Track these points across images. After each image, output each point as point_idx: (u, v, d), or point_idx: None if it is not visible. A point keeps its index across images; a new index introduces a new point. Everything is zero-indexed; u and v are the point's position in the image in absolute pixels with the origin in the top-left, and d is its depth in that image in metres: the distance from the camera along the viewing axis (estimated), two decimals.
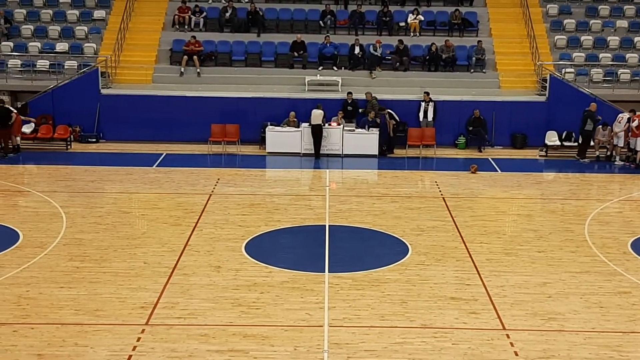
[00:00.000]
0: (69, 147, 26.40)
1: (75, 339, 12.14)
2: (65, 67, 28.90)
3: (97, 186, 21.81)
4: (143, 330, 12.45)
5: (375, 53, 28.99)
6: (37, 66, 28.87)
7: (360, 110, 26.50)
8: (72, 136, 26.75)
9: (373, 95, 26.60)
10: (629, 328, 12.85)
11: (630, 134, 25.00)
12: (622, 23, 31.45)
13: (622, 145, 25.34)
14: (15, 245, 16.50)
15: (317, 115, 25.45)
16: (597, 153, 25.92)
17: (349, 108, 26.69)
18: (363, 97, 26.83)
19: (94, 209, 19.29)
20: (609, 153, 25.84)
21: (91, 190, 21.32)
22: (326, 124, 25.82)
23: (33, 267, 15.22)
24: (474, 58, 29.03)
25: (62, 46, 29.82)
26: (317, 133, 25.42)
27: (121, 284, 14.38)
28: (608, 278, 15.09)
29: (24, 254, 15.96)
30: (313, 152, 25.58)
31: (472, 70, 29.03)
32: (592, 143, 25.83)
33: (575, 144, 26.34)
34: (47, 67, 28.86)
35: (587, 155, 25.81)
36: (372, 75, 28.77)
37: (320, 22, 30.93)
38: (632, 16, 31.81)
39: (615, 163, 25.42)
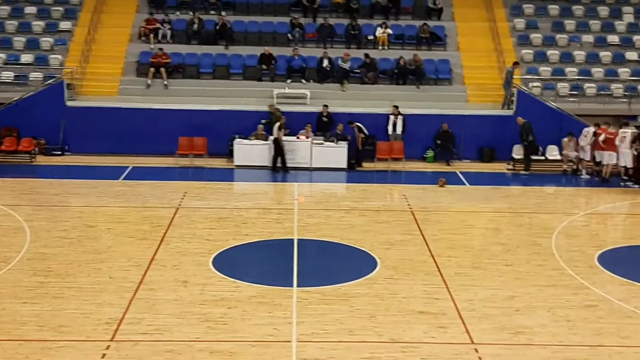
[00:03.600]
0: (33, 159, 26.07)
1: (39, 355, 11.89)
2: (30, 78, 28.65)
3: (62, 199, 21.54)
4: (108, 347, 12.23)
5: (344, 66, 29.02)
6: (2, 78, 28.56)
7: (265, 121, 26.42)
8: (36, 149, 26.42)
9: (276, 107, 26.71)
10: (596, 342, 12.88)
11: (595, 147, 25.23)
12: (588, 38, 31.83)
13: (588, 159, 25.56)
14: None
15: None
16: (565, 167, 26.10)
17: (324, 120, 26.71)
18: (338, 110, 27.04)
19: (58, 223, 19.04)
20: (575, 167, 26.05)
21: (56, 204, 21.04)
22: (294, 137, 25.80)
23: None
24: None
25: (27, 57, 29.50)
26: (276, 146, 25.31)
27: (86, 300, 14.14)
28: (575, 291, 15.14)
29: None
30: (280, 165, 25.41)
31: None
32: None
33: (543, 157, 26.60)
34: (12, 78, 28.60)
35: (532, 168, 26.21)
36: (343, 87, 28.76)
37: (289, 35, 30.89)
38: (597, 31, 32.19)
39: (582, 177, 25.63)
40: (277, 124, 25.35)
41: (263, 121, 26.49)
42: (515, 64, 28.41)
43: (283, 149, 25.26)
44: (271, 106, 26.85)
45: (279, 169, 25.26)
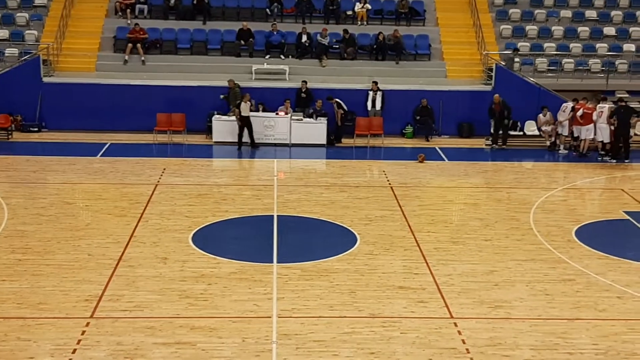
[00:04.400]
0: (10, 136, 25.78)
1: (18, 333, 11.86)
2: (6, 54, 28.26)
3: (40, 177, 21.37)
4: (88, 324, 12.22)
5: (323, 41, 28.88)
6: None
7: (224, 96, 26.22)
8: (13, 125, 26.14)
9: (235, 82, 26.43)
10: (574, 315, 13.03)
11: (573, 122, 25.33)
12: (566, 13, 31.88)
13: (566, 134, 25.69)
14: None
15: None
16: (548, 143, 26.16)
17: (303, 95, 26.60)
18: (317, 85, 26.92)
19: (36, 200, 18.89)
20: (553, 141, 26.16)
21: (33, 181, 20.88)
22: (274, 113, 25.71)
23: None
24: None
25: (2, 33, 29.10)
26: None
27: (65, 277, 14.10)
28: (553, 266, 15.28)
29: None
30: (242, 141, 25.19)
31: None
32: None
33: (521, 133, 26.72)
34: None
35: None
36: (322, 63, 28.64)
37: (267, 9, 30.69)
38: (575, 6, 32.24)
39: (560, 152, 25.77)
40: (247, 102, 25.02)
41: (222, 96, 26.29)
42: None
43: (244, 126, 25.10)
44: (230, 81, 26.45)
45: (256, 145, 25.14)
